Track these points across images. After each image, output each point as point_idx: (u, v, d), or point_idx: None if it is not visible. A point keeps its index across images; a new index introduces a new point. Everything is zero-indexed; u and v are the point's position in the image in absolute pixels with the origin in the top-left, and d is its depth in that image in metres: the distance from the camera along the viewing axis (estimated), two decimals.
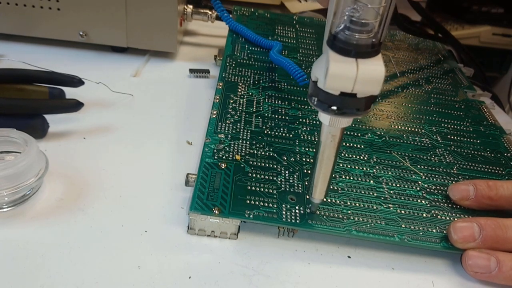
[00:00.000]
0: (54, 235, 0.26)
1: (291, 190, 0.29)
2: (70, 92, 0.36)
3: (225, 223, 0.27)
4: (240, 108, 0.36)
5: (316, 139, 0.34)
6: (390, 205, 0.29)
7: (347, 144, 0.34)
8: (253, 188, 0.29)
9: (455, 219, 0.29)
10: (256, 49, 0.45)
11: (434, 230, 0.28)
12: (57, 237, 0.26)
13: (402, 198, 0.30)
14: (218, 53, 0.45)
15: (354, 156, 0.33)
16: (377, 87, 0.21)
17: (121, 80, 0.41)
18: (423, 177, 0.32)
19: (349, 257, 0.28)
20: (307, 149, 0.33)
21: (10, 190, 0.27)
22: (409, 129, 0.37)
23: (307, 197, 0.29)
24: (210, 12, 0.49)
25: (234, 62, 0.42)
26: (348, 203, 0.29)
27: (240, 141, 0.33)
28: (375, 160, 0.33)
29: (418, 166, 0.33)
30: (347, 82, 0.21)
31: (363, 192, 0.30)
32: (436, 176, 0.33)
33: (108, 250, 0.26)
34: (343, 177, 0.31)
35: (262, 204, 0.28)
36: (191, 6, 0.48)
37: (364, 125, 0.37)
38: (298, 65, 0.42)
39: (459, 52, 0.54)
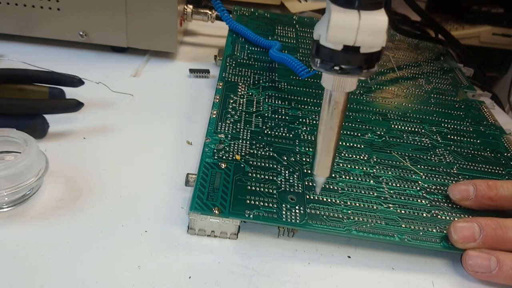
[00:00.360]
0: (54, 235, 0.26)
1: (291, 190, 0.29)
2: (70, 92, 0.36)
3: (225, 223, 0.27)
4: (240, 108, 0.36)
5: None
6: (390, 205, 0.29)
7: (347, 144, 0.34)
8: (253, 188, 0.29)
9: (455, 219, 0.29)
10: (256, 49, 0.45)
11: (434, 230, 0.28)
12: (57, 237, 0.26)
13: (402, 198, 0.30)
14: (218, 53, 0.46)
15: (354, 156, 0.33)
16: (380, 37, 0.20)
17: (121, 80, 0.41)
18: (423, 177, 0.32)
19: (349, 257, 0.28)
20: (307, 149, 0.33)
21: (10, 190, 0.27)
22: (409, 129, 0.37)
23: (309, 197, 0.29)
24: (210, 12, 0.49)
25: (234, 62, 0.42)
26: (348, 203, 0.29)
27: (240, 141, 0.33)
28: (375, 160, 0.33)
29: (418, 166, 0.33)
30: (349, 33, 0.20)
31: (363, 192, 0.30)
32: (436, 176, 0.33)
33: (108, 250, 0.26)
34: (343, 177, 0.31)
35: (262, 204, 0.28)
36: (191, 6, 0.48)
37: (364, 125, 0.37)
38: None
39: (458, 53, 0.54)
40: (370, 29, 0.20)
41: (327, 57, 0.21)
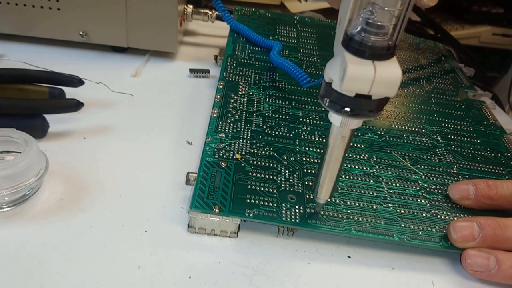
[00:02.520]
0: (54, 235, 0.26)
1: (291, 189, 0.29)
2: (70, 92, 0.36)
3: (225, 222, 0.27)
4: (240, 107, 0.36)
5: (316, 139, 0.34)
6: (390, 205, 0.29)
7: None
8: (253, 187, 0.29)
9: (455, 218, 0.29)
10: (257, 48, 0.45)
11: (434, 230, 0.28)
12: (57, 237, 0.26)
13: (402, 197, 0.30)
14: (219, 53, 0.46)
15: (354, 156, 0.33)
16: (393, 89, 0.21)
17: (121, 80, 0.41)
18: (423, 176, 0.32)
19: (349, 257, 0.28)
20: (307, 148, 0.33)
21: (10, 190, 0.27)
22: (410, 128, 0.37)
23: (309, 196, 0.29)
24: (210, 12, 0.49)
25: (235, 62, 0.42)
26: (348, 202, 0.29)
27: (241, 140, 0.33)
28: (375, 159, 0.33)
29: (418, 166, 0.33)
30: (365, 84, 0.20)
31: (363, 191, 0.30)
32: (436, 175, 0.33)
33: (108, 250, 0.26)
34: (343, 176, 0.31)
35: (262, 203, 0.28)
36: (191, 6, 0.48)
37: (364, 124, 0.37)
38: (299, 65, 0.42)
39: (459, 52, 0.54)
40: (385, 81, 0.20)
41: (338, 100, 0.22)
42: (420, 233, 0.28)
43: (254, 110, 0.36)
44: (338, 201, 0.29)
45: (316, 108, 0.38)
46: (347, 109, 0.22)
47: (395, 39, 0.21)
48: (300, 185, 0.30)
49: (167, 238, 0.27)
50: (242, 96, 0.38)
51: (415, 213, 0.29)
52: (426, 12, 0.58)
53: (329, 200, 0.27)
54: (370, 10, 0.21)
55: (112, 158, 0.33)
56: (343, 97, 0.21)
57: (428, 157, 0.34)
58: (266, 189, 0.29)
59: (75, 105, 0.33)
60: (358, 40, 0.21)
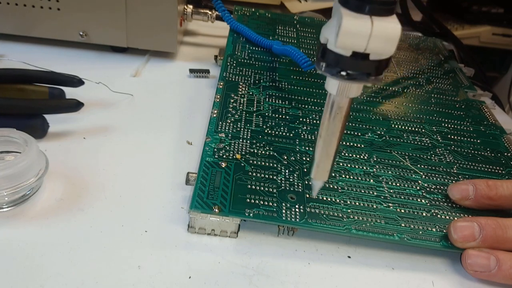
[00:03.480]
0: (54, 235, 0.26)
1: (291, 189, 0.29)
2: (70, 92, 0.36)
3: (225, 222, 0.27)
4: (240, 107, 0.36)
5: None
6: (390, 204, 0.29)
7: (347, 143, 0.34)
8: (253, 187, 0.29)
9: (455, 218, 0.29)
10: (257, 48, 0.45)
11: (434, 229, 0.28)
12: (57, 237, 0.26)
13: (402, 197, 0.30)
14: (218, 53, 0.46)
15: (354, 155, 0.33)
16: (392, 45, 0.19)
17: (121, 80, 0.41)
18: (423, 176, 0.32)
19: (349, 257, 0.28)
20: (307, 148, 0.33)
21: (10, 190, 0.27)
22: (410, 128, 0.37)
23: (309, 196, 0.29)
24: (210, 12, 0.49)
25: (235, 62, 0.42)
26: (348, 202, 0.29)
27: (241, 140, 0.33)
28: (375, 159, 0.33)
29: (418, 166, 0.33)
30: (361, 39, 0.19)
31: (363, 191, 0.30)
32: (436, 175, 0.33)
33: (108, 250, 0.26)
34: (343, 176, 0.31)
35: (262, 202, 0.28)
36: (191, 6, 0.48)
37: (365, 124, 0.37)
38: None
39: (459, 51, 0.54)
40: (382, 36, 0.19)
41: (334, 62, 0.20)
42: (420, 232, 0.28)
43: (254, 110, 0.36)
44: (338, 201, 0.29)
45: (316, 107, 0.38)
46: (343, 73, 0.20)
47: None
48: (300, 184, 0.30)
49: (167, 238, 0.27)
50: (242, 96, 0.38)
51: (415, 213, 0.29)
52: (428, 9, 0.58)
53: (326, 181, 0.25)
54: None
55: (112, 158, 0.33)
56: (339, 57, 0.20)
57: (428, 157, 0.34)
58: (266, 189, 0.29)
59: (75, 105, 0.33)
60: None
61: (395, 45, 0.19)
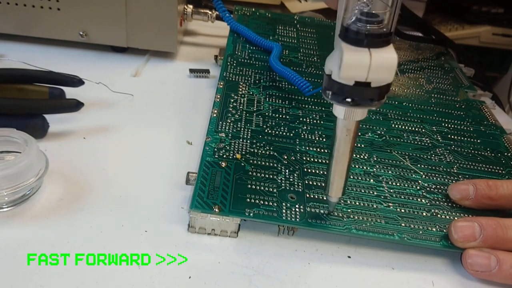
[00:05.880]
0: (54, 235, 0.26)
1: (291, 188, 0.29)
2: (70, 92, 0.36)
3: (225, 221, 0.27)
4: (240, 107, 0.36)
5: (316, 138, 0.34)
6: (390, 204, 0.29)
7: None
8: (254, 187, 0.29)
9: (455, 218, 0.29)
10: (257, 48, 0.45)
11: (434, 229, 0.28)
12: (57, 237, 0.26)
13: (402, 197, 0.30)
14: (219, 53, 0.46)
15: (354, 155, 0.33)
16: (390, 74, 0.21)
17: (121, 80, 0.41)
18: (423, 176, 0.32)
19: (349, 257, 0.28)
20: (307, 148, 0.33)
21: (10, 190, 0.27)
22: (410, 128, 0.37)
23: (309, 196, 0.29)
24: (210, 12, 0.49)
25: (235, 62, 0.42)
26: (348, 201, 0.29)
27: (241, 140, 0.33)
28: (375, 159, 0.33)
29: (418, 165, 0.33)
30: (361, 71, 0.21)
31: (363, 191, 0.30)
32: (436, 175, 0.33)
33: (108, 250, 0.26)
34: None
35: (262, 202, 0.28)
36: (191, 6, 0.48)
37: (365, 124, 0.37)
38: (299, 65, 0.42)
39: (459, 55, 0.54)
40: (380, 67, 0.21)
41: (339, 91, 0.22)
42: (421, 232, 0.28)
43: (254, 109, 0.36)
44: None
45: (316, 107, 0.38)
46: (348, 99, 0.22)
47: (390, 27, 0.22)
48: (300, 184, 0.30)
49: (167, 238, 0.27)
50: (242, 95, 0.38)
51: (416, 213, 0.29)
52: (426, 12, 0.57)
53: (341, 198, 0.27)
54: (364, 2, 0.21)
55: (112, 158, 0.33)
56: (343, 86, 0.22)
57: (428, 157, 0.34)
58: (266, 189, 0.29)
59: (75, 105, 0.33)
60: (354, 29, 0.21)
61: (393, 73, 0.21)
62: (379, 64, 0.21)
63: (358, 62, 0.21)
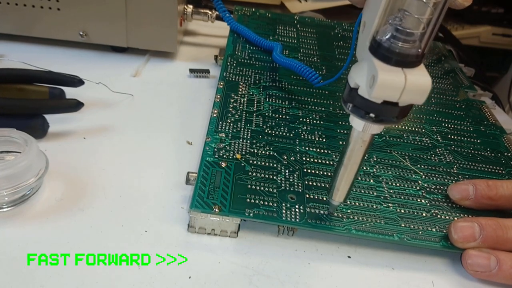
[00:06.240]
0: (54, 235, 0.26)
1: (291, 189, 0.29)
2: (70, 92, 0.36)
3: (225, 221, 0.27)
4: (240, 107, 0.36)
5: (316, 139, 0.34)
6: (389, 204, 0.29)
7: None
8: (253, 187, 0.29)
9: (455, 218, 0.29)
10: (257, 48, 0.45)
11: (434, 229, 0.28)
12: (57, 237, 0.26)
13: (402, 197, 0.30)
14: (219, 53, 0.46)
15: None
16: (423, 97, 0.20)
17: (121, 80, 0.41)
18: (423, 176, 0.32)
19: (349, 257, 0.28)
20: (307, 148, 0.33)
21: (10, 190, 0.27)
22: (410, 128, 0.37)
23: (309, 196, 0.29)
24: (210, 12, 0.49)
25: (235, 62, 0.42)
26: (348, 202, 0.29)
27: (241, 140, 0.33)
28: (375, 159, 0.33)
29: (418, 166, 0.33)
30: (395, 92, 0.20)
31: (363, 191, 0.30)
32: (436, 175, 0.33)
33: (108, 250, 0.26)
34: None
35: (262, 202, 0.28)
36: (191, 6, 0.48)
37: None
38: None
39: (459, 52, 0.54)
40: (414, 90, 0.20)
41: (363, 106, 0.21)
42: (420, 232, 0.28)
43: (254, 110, 0.36)
44: None
45: (316, 108, 0.38)
46: (372, 115, 0.21)
47: (424, 47, 0.21)
48: (300, 184, 0.30)
49: (167, 238, 0.27)
50: (242, 96, 0.38)
51: (415, 213, 0.29)
52: None
53: (343, 203, 0.27)
54: (398, 17, 0.20)
55: (112, 158, 0.33)
56: (369, 103, 0.21)
57: (428, 157, 0.34)
58: (266, 189, 0.29)
59: (75, 105, 0.33)
60: (386, 46, 0.20)
61: (426, 96, 0.20)
62: (413, 87, 0.20)
63: (392, 83, 0.20)
